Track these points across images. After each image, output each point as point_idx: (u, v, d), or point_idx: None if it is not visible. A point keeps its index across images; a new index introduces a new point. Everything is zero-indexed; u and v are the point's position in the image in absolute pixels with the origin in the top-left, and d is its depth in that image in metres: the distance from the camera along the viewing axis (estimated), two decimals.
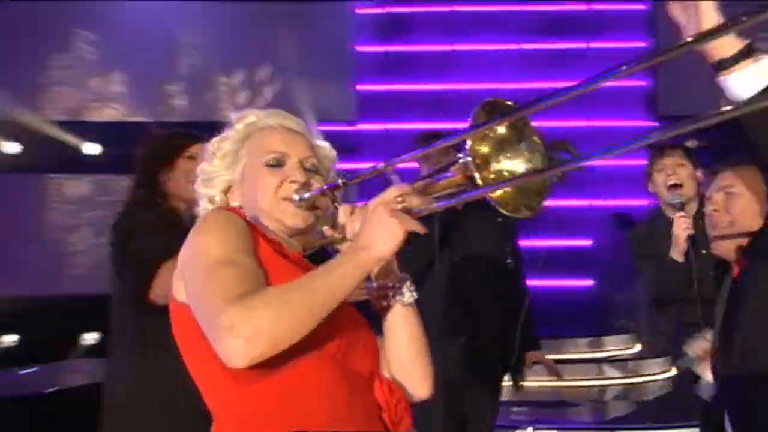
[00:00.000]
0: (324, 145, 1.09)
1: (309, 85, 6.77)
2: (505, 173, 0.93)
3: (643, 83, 6.49)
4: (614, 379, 5.22)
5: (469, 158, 0.89)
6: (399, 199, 0.85)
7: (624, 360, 5.47)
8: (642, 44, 6.52)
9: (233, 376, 0.79)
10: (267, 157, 0.95)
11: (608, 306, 6.36)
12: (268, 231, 0.95)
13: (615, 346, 5.73)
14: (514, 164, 0.94)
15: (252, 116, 1.00)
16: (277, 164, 0.95)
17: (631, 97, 6.56)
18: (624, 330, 5.95)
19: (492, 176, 0.92)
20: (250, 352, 0.72)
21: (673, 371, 4.45)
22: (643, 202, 5.08)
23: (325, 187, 0.96)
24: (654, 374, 5.23)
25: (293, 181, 0.93)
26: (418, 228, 0.82)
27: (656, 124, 6.13)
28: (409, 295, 0.95)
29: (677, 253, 1.97)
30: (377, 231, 0.81)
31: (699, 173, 2.16)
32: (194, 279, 0.83)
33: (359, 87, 7.41)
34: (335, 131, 6.13)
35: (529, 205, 0.93)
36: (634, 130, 5.87)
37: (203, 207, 1.00)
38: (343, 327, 0.88)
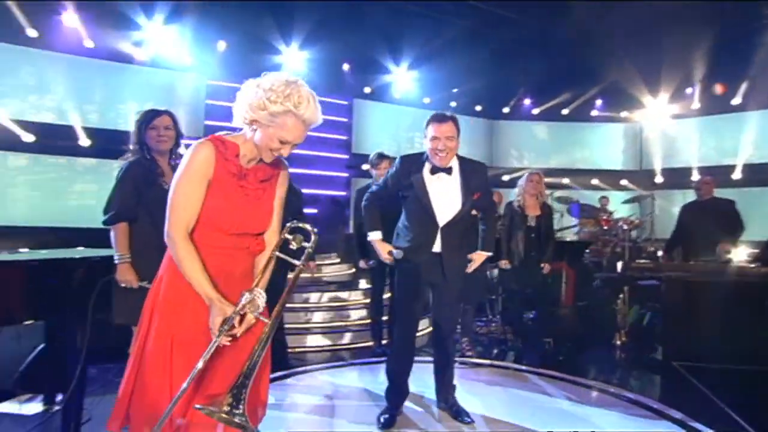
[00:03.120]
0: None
1: None
2: None
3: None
4: None
5: None
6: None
7: None
8: None
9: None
10: (285, 138, 1.57)
11: None
12: (244, 155, 1.63)
13: None
14: None
15: (303, 106, 1.54)
16: (286, 142, 1.59)
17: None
18: None
19: None
20: (168, 243, 1.58)
21: None
22: None
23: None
24: None
25: (281, 152, 1.60)
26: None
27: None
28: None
29: None
30: (215, 311, 1.52)
31: None
32: (174, 182, 1.59)
33: None
34: None
35: None
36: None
37: (238, 119, 1.62)
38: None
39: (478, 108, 9.45)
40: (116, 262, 2.44)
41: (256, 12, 7.00)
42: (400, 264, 2.90)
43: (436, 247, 2.83)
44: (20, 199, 6.23)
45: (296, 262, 1.73)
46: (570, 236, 7.56)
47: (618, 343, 5.05)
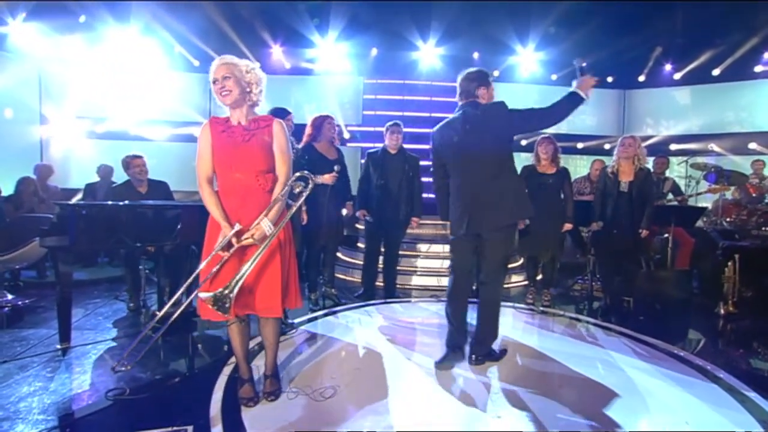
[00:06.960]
0: (242, 64, 2.26)
1: None
2: None
3: None
4: None
5: None
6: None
7: None
8: None
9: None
10: (211, 79, 2.23)
11: None
12: (231, 120, 2.24)
13: None
14: None
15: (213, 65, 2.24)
16: (214, 82, 2.21)
17: None
18: None
19: None
20: (199, 190, 2.18)
21: None
22: None
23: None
24: None
25: (221, 91, 2.20)
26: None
27: None
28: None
29: None
30: (222, 231, 2.15)
31: None
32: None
33: None
34: None
35: None
36: None
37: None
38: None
39: (610, 79, 8.70)
40: None
41: (401, 17, 7.84)
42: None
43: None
44: None
45: (291, 202, 2.21)
46: (705, 203, 6.73)
47: (722, 312, 4.54)
